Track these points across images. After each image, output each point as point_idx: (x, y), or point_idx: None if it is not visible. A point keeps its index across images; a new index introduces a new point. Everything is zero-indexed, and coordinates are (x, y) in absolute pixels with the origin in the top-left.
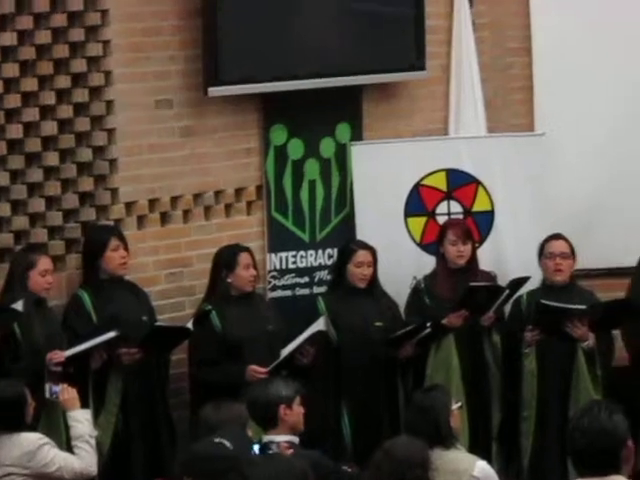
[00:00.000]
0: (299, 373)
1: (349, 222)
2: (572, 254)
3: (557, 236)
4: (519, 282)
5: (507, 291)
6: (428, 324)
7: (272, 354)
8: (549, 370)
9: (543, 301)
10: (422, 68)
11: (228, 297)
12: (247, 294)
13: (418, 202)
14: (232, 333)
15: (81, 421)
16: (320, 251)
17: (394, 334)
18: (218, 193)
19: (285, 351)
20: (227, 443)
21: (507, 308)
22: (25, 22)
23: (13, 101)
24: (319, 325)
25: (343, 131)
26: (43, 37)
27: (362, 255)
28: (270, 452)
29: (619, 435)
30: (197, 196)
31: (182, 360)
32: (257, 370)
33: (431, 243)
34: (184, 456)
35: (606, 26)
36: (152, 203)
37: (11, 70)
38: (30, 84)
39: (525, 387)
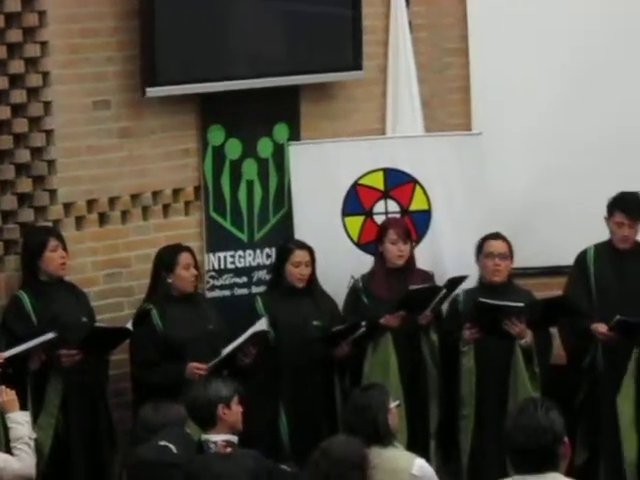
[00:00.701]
0: (239, 373)
1: (287, 222)
2: (510, 255)
3: (496, 236)
4: (456, 281)
5: (444, 290)
6: (363, 323)
7: (213, 354)
8: (487, 368)
9: (482, 299)
10: (359, 68)
11: (169, 297)
12: (188, 294)
13: (356, 202)
14: (173, 333)
15: (20, 423)
16: (258, 251)
17: (328, 333)
18: (156, 194)
19: (226, 351)
20: (172, 447)
21: (445, 307)
22: None
23: None
24: (261, 325)
25: (281, 131)
26: None
27: (300, 255)
28: (211, 451)
29: (556, 432)
30: (135, 197)
31: (123, 361)
32: (197, 367)
33: (369, 242)
34: (130, 461)
35: (542, 27)
36: (90, 204)
37: None
38: None
39: (463, 385)
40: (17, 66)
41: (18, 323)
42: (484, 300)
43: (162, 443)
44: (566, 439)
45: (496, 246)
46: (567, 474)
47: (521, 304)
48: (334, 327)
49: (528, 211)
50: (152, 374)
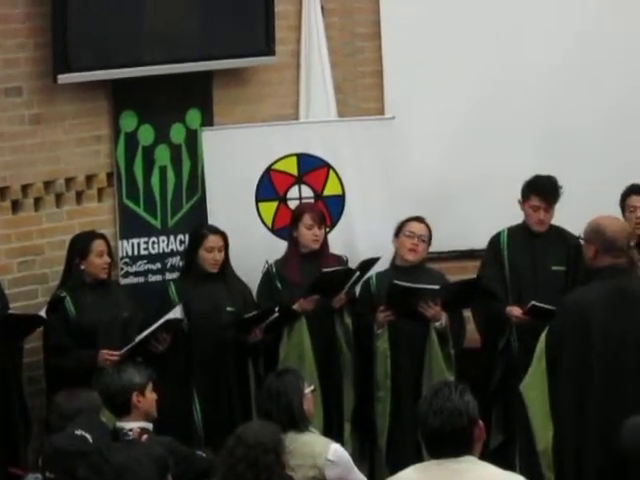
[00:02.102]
0: (153, 360)
1: (200, 208)
2: (429, 239)
3: (419, 219)
4: (369, 263)
5: (357, 273)
6: (276, 309)
7: (126, 340)
8: (402, 350)
9: (397, 281)
10: (272, 53)
11: (82, 284)
12: (101, 281)
13: (269, 187)
14: (86, 320)
15: None
16: (172, 237)
17: (240, 319)
18: (69, 180)
19: (139, 338)
20: (88, 435)
21: (358, 289)
22: None
23: None
24: (175, 313)
25: (193, 117)
26: None
27: (213, 240)
28: (127, 439)
29: (471, 415)
30: (48, 184)
31: (37, 348)
32: (110, 353)
33: (283, 228)
34: (45, 449)
35: (455, 11)
36: (3, 191)
37: None
38: None
39: (378, 368)
40: None
41: None
42: (399, 282)
43: (77, 432)
44: (481, 422)
45: (417, 227)
46: (482, 457)
47: (436, 286)
48: (247, 313)
49: (441, 195)
50: (65, 360)
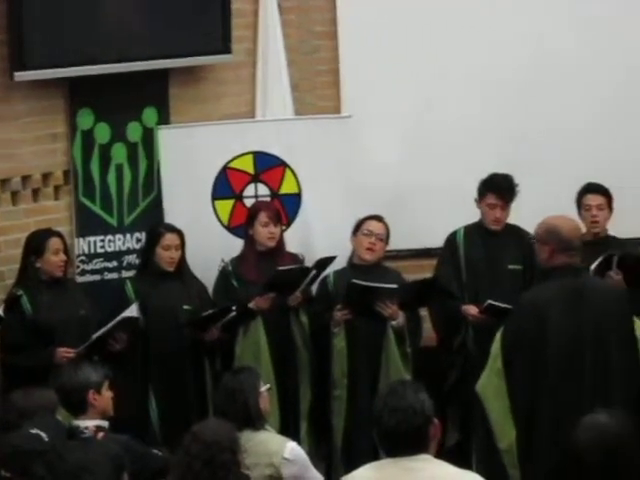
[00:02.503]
0: (109, 358)
1: (157, 206)
2: (386, 238)
3: (377, 217)
4: (325, 262)
5: (314, 271)
6: (233, 307)
7: (84, 339)
8: (359, 349)
9: (354, 280)
10: (228, 52)
11: (39, 282)
12: (58, 279)
13: (225, 185)
14: (43, 318)
15: None
16: (128, 235)
17: (197, 317)
18: (25, 178)
19: (95, 336)
20: (43, 434)
21: (314, 288)
22: None
23: None
24: (131, 311)
25: (150, 115)
26: None
27: (170, 238)
28: (84, 437)
29: (426, 413)
30: (4, 182)
31: None
32: (66, 351)
33: (239, 226)
34: (1, 449)
35: (411, 9)
36: None
37: None
38: None
39: (335, 366)
40: None
41: None
42: (357, 281)
43: (33, 431)
44: (436, 420)
45: (375, 226)
46: (438, 455)
47: (394, 285)
48: (204, 311)
49: (398, 194)
50: (21, 358)
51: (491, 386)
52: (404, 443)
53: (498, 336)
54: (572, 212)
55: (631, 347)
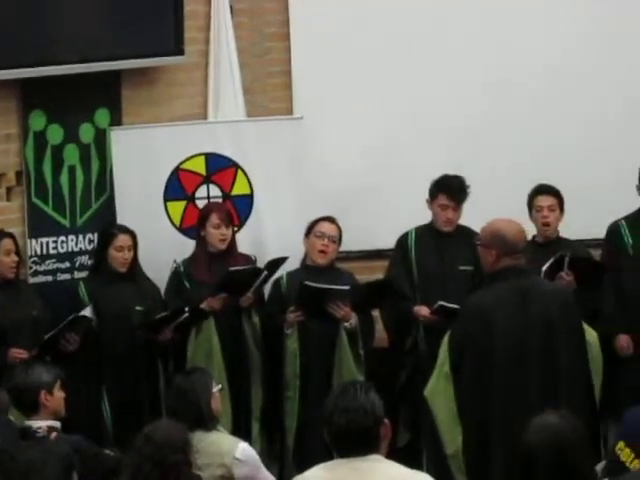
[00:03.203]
0: (62, 359)
1: (109, 207)
2: (339, 239)
3: (329, 219)
4: (276, 262)
5: (265, 272)
6: (186, 309)
7: (36, 339)
8: (312, 350)
9: (307, 282)
10: (181, 53)
11: None
12: (10, 280)
13: (177, 186)
14: None
15: None
16: (81, 236)
17: (150, 319)
18: None
19: (47, 337)
20: None
21: (267, 289)
22: None
23: None
24: (85, 312)
25: (102, 116)
26: None
27: (122, 239)
28: (37, 437)
29: (376, 413)
30: None
31: None
32: (18, 352)
33: (191, 227)
34: None
35: (363, 10)
36: None
37: None
38: None
39: (288, 367)
40: None
41: None
42: (309, 283)
43: None
44: (386, 420)
45: (327, 228)
46: (389, 456)
47: (347, 287)
48: (157, 312)
49: (350, 195)
50: None
51: (438, 391)
52: (355, 443)
53: (445, 340)
54: (524, 214)
55: (579, 349)
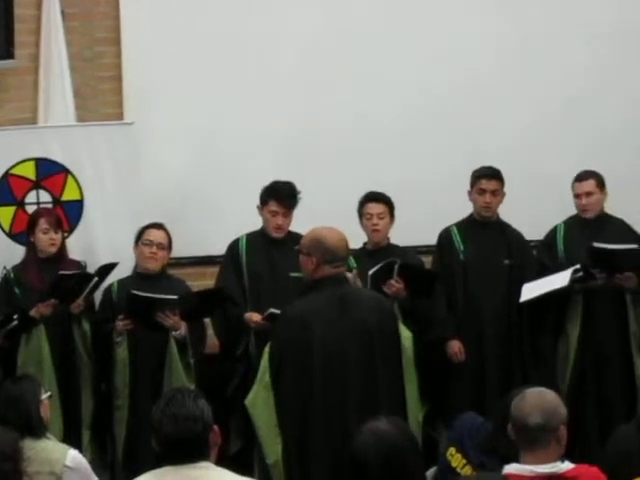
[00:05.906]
0: None
1: None
2: (169, 247)
3: (157, 225)
4: (107, 268)
5: (96, 278)
6: (15, 316)
7: None
8: (142, 359)
9: (134, 291)
10: (11, 57)
11: None
12: None
13: (7, 192)
14: None
15: None
16: None
17: None
18: None
19: None
20: None
21: (98, 295)
22: None
23: None
24: None
25: None
26: None
27: None
28: None
29: (205, 420)
30: None
31: None
32: None
33: (20, 233)
34: None
35: (196, 16)
36: None
37: None
38: None
39: (117, 376)
40: None
41: None
42: (137, 292)
43: None
44: (216, 427)
45: (156, 235)
46: (221, 463)
47: (174, 296)
48: None
49: (181, 201)
50: None
51: (259, 400)
52: (183, 450)
53: (266, 349)
54: (355, 221)
55: (394, 358)
